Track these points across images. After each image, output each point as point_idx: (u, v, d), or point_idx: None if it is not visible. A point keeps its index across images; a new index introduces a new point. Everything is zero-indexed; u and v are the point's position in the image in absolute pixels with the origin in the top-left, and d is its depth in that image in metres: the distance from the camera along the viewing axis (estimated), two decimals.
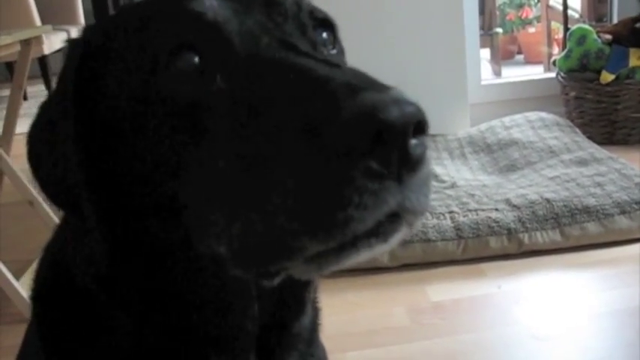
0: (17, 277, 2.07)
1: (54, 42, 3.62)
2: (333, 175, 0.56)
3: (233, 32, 0.68)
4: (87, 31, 0.79)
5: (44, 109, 0.81)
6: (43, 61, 5.08)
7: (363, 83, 0.58)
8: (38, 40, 2.46)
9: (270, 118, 0.60)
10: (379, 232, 0.59)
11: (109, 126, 0.73)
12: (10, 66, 5.55)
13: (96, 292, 0.79)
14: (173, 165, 0.67)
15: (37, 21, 3.44)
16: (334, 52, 0.80)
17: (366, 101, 0.55)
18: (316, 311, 0.92)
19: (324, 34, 0.78)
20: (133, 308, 0.78)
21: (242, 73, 0.65)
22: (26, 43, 2.34)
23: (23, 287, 1.99)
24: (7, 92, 2.59)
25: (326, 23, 0.79)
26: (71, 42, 0.79)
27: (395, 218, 0.60)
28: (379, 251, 0.61)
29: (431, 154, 0.62)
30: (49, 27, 2.62)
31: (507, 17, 6.51)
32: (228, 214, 0.63)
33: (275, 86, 0.62)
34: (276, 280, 0.65)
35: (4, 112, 2.53)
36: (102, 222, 0.74)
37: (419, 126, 0.58)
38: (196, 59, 0.67)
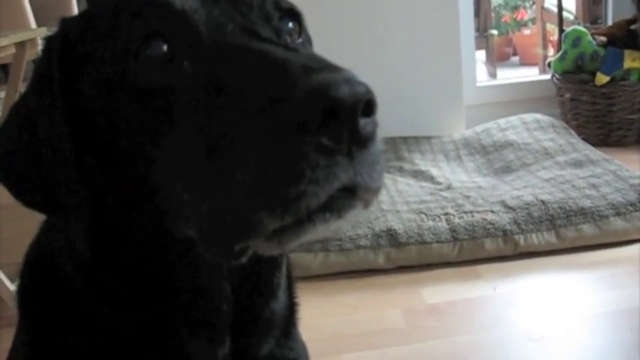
0: (13, 280, 2.07)
1: None
2: (286, 151, 0.59)
3: (199, 21, 0.72)
4: (64, 23, 0.81)
5: (17, 108, 0.82)
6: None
7: (317, 64, 0.61)
8: (33, 42, 2.45)
9: (230, 99, 0.64)
10: (334, 207, 0.62)
11: (86, 114, 0.76)
12: (5, 68, 5.53)
13: (78, 283, 0.82)
14: (147, 148, 0.71)
15: (33, 23, 3.43)
16: (300, 40, 0.83)
17: (318, 80, 0.58)
18: (293, 305, 0.96)
19: (290, 24, 0.81)
20: (113, 295, 0.81)
21: (207, 58, 0.69)
22: (21, 46, 2.33)
23: None
24: (2, 94, 2.58)
25: (291, 13, 0.82)
26: (49, 38, 0.81)
27: (349, 194, 0.63)
28: (336, 227, 0.64)
29: (380, 134, 0.65)
30: (44, 29, 2.61)
31: (502, 19, 6.53)
32: (195, 194, 0.67)
33: (235, 69, 0.66)
34: (244, 259, 0.68)
35: (0, 113, 2.52)
36: (84, 211, 0.77)
37: (369, 106, 0.61)
38: (165, 47, 0.71)
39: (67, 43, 0.78)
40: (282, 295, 0.90)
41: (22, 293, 0.91)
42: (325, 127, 0.58)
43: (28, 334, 0.89)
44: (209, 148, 0.64)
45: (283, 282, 0.91)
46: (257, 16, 0.76)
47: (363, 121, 0.60)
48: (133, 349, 0.83)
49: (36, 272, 0.89)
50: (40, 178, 0.77)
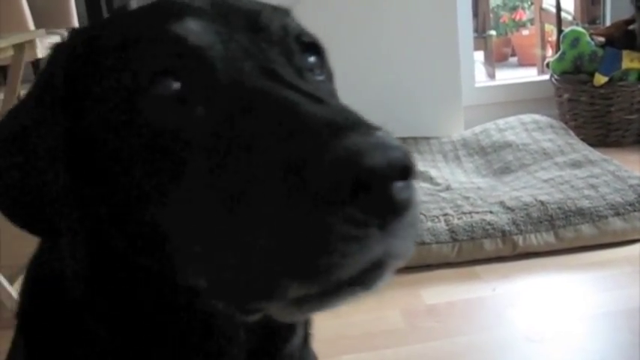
0: (11, 282, 2.06)
1: (47, 46, 3.62)
2: (313, 220, 0.54)
3: (216, 58, 0.66)
4: (73, 36, 0.76)
5: (13, 117, 0.76)
6: (36, 64, 5.07)
7: (348, 122, 0.56)
8: (32, 44, 2.44)
9: (250, 153, 0.59)
10: (364, 278, 0.58)
11: (88, 140, 0.70)
12: (3, 70, 5.52)
13: (80, 311, 0.77)
14: (152, 192, 0.65)
15: (31, 25, 3.42)
16: (322, 77, 0.77)
17: (349, 144, 0.53)
18: (308, 321, 0.89)
19: (312, 59, 0.76)
20: (114, 329, 0.76)
21: (223, 103, 0.63)
22: (19, 48, 2.33)
23: (17, 292, 1.98)
24: (0, 96, 2.58)
25: (314, 47, 0.77)
26: (56, 47, 0.76)
27: (378, 264, 0.58)
28: (362, 297, 0.60)
29: (419, 197, 0.60)
30: (42, 31, 2.62)
31: (501, 20, 6.53)
32: (207, 248, 0.62)
33: (256, 120, 0.60)
34: (256, 317, 0.63)
35: None
36: (78, 238, 0.71)
37: (405, 170, 0.56)
38: (177, 85, 0.65)
39: (74, 58, 0.72)
40: (301, 329, 0.84)
41: (23, 314, 0.85)
42: (358, 197, 0.53)
43: (28, 357, 0.84)
44: (225, 202, 0.59)
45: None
46: (278, 53, 0.70)
47: (398, 188, 0.55)
48: None
49: (37, 293, 0.84)
50: (32, 198, 0.72)
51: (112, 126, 0.67)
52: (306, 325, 0.88)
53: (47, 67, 0.75)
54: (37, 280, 0.84)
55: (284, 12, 0.76)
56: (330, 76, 0.82)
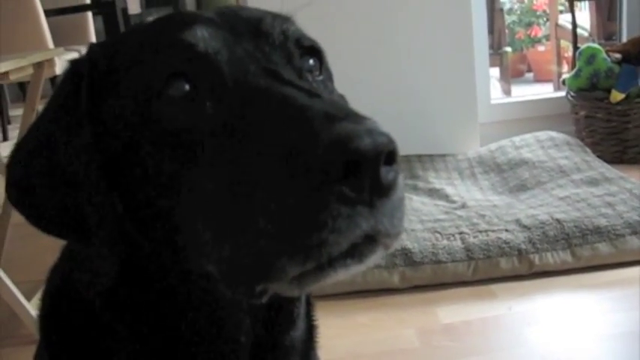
0: (28, 298, 2.08)
1: (66, 63, 3.66)
2: (309, 201, 0.61)
3: (222, 62, 0.73)
4: (92, 51, 0.82)
5: (35, 131, 0.82)
6: (54, 81, 5.12)
7: (340, 113, 0.63)
8: (50, 62, 2.48)
9: (253, 145, 0.65)
10: (355, 253, 0.64)
11: (108, 144, 0.76)
12: (22, 85, 5.59)
13: (100, 312, 0.83)
14: (168, 186, 0.72)
15: (50, 43, 3.47)
16: (320, 78, 0.84)
17: (341, 131, 0.60)
18: (312, 328, 0.97)
19: (311, 61, 0.83)
20: (133, 322, 0.82)
21: (230, 101, 0.70)
22: (39, 66, 2.37)
23: (34, 308, 1.99)
24: (19, 111, 2.61)
25: (312, 50, 0.84)
26: (75, 62, 0.82)
27: (370, 240, 0.65)
28: (356, 271, 0.66)
29: (403, 180, 0.67)
30: (60, 49, 2.66)
31: (517, 36, 6.53)
32: (215, 235, 0.68)
33: (258, 114, 0.67)
34: (264, 299, 0.70)
35: (17, 131, 2.55)
36: (110, 237, 0.77)
37: (390, 156, 0.62)
38: (187, 87, 0.72)
39: (96, 70, 0.79)
40: (301, 322, 0.91)
41: (44, 321, 0.91)
42: (348, 177, 0.60)
43: (50, 357, 0.90)
44: (231, 191, 0.66)
45: (303, 309, 0.92)
46: (279, 56, 0.77)
47: (384, 170, 0.62)
48: None
49: (58, 300, 0.90)
50: (64, 204, 0.77)
51: (132, 127, 0.74)
52: (310, 322, 0.96)
53: (67, 80, 0.81)
54: (58, 285, 0.90)
55: (285, 19, 0.83)
56: (329, 76, 0.90)
